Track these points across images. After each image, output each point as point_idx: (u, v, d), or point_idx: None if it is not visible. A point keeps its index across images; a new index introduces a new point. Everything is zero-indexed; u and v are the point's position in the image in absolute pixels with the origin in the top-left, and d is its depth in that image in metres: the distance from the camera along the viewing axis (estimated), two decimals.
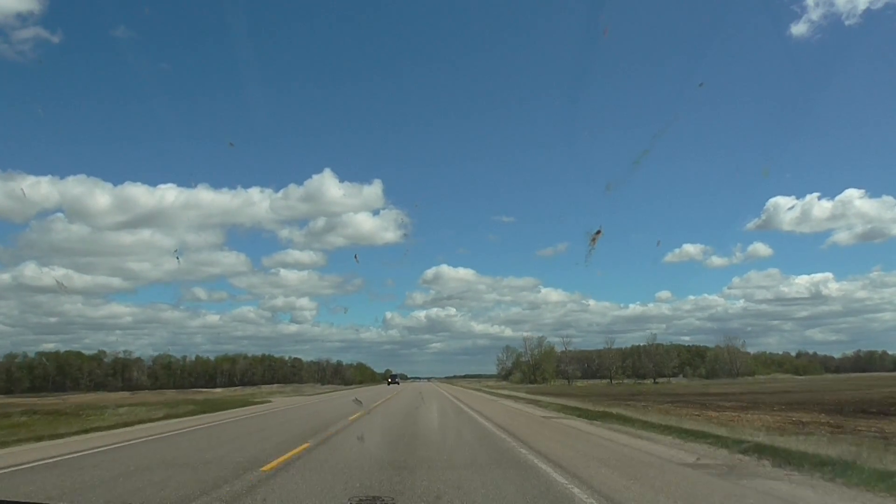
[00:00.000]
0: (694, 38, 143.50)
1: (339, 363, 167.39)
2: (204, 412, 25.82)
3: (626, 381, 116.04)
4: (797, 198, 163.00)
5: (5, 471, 9.25)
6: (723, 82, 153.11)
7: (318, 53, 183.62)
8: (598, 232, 9.66)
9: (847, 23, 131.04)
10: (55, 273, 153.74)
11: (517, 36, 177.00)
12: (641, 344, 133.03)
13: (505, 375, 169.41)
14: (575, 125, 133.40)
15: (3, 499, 6.62)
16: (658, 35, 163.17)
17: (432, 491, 7.07)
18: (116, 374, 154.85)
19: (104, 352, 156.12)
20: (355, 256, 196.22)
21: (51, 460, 10.37)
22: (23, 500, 6.44)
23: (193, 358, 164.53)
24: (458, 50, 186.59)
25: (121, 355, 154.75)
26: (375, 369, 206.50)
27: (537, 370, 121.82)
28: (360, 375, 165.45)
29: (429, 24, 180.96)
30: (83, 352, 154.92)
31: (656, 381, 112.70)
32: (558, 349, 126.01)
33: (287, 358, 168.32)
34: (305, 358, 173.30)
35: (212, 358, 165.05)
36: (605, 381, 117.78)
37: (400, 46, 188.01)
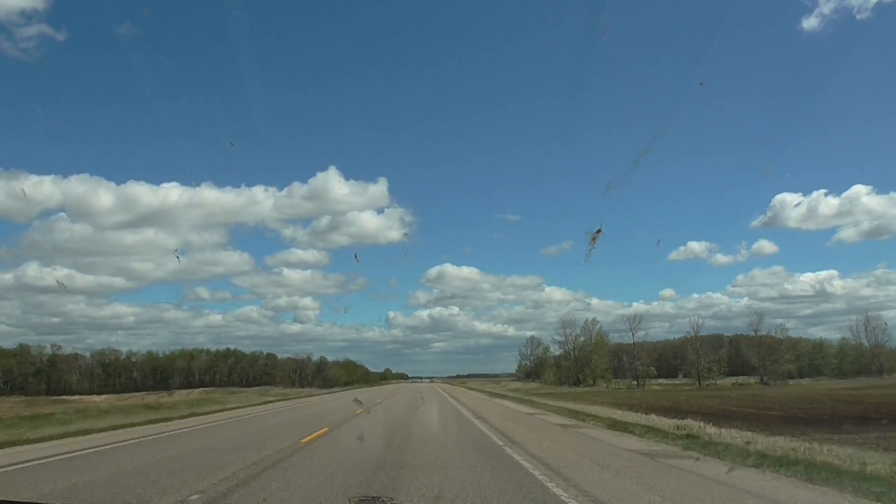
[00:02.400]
0: (698, 32, 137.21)
1: (322, 360, 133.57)
2: None
3: (718, 380, 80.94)
4: (804, 194, 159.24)
5: None
6: (728, 78, 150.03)
7: (324, 52, 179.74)
8: (599, 231, 8.69)
9: (859, 17, 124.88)
10: (58, 273, 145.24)
11: (519, 36, 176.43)
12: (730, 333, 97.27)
13: (529, 375, 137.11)
14: (578, 123, 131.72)
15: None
16: (661, 29, 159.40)
17: None
18: (41, 373, 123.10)
19: (27, 346, 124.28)
20: (355, 256, 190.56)
21: None
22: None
23: (145, 353, 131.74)
24: (461, 50, 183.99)
25: (48, 350, 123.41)
26: (375, 368, 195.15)
27: (585, 367, 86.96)
28: (347, 375, 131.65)
29: (433, 23, 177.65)
30: (2, 346, 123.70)
31: (765, 380, 77.27)
32: (611, 338, 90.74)
33: (259, 354, 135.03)
34: (282, 356, 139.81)
35: (166, 353, 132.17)
36: (684, 381, 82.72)
37: (405, 46, 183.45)
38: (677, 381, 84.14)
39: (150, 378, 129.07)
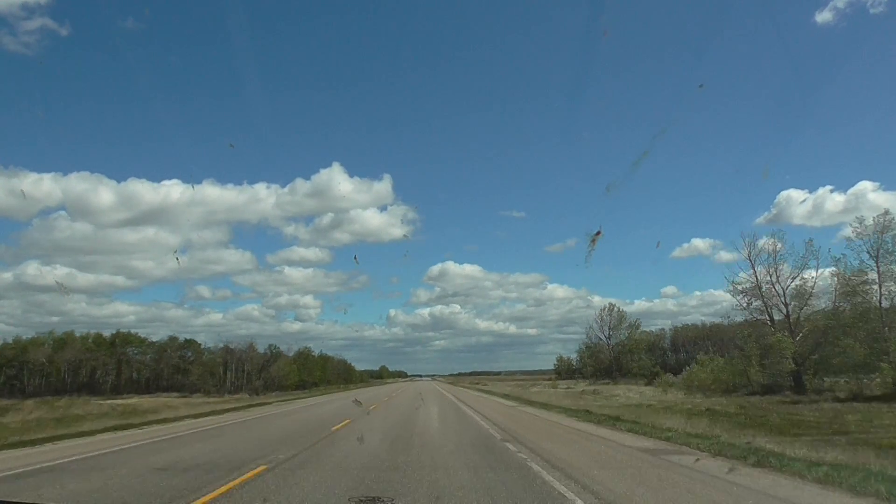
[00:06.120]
0: (698, 32, 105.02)
1: (273, 350, 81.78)
2: None
3: None
4: (809, 191, 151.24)
5: None
6: (731, 75, 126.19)
7: (328, 49, 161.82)
8: (598, 233, 9.56)
9: (872, 11, 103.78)
10: (58, 272, 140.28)
11: (521, 36, 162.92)
12: None
13: (606, 371, 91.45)
14: (581, 122, 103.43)
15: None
16: (661, 29, 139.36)
17: None
18: None
19: None
20: (355, 257, 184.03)
21: None
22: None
23: None
24: (464, 49, 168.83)
25: None
26: (374, 366, 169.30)
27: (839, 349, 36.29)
28: (301, 374, 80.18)
29: (438, 23, 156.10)
30: None
31: None
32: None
33: (171, 342, 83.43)
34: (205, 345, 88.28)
35: (11, 341, 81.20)
36: None
37: (409, 45, 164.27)
38: None
39: None
